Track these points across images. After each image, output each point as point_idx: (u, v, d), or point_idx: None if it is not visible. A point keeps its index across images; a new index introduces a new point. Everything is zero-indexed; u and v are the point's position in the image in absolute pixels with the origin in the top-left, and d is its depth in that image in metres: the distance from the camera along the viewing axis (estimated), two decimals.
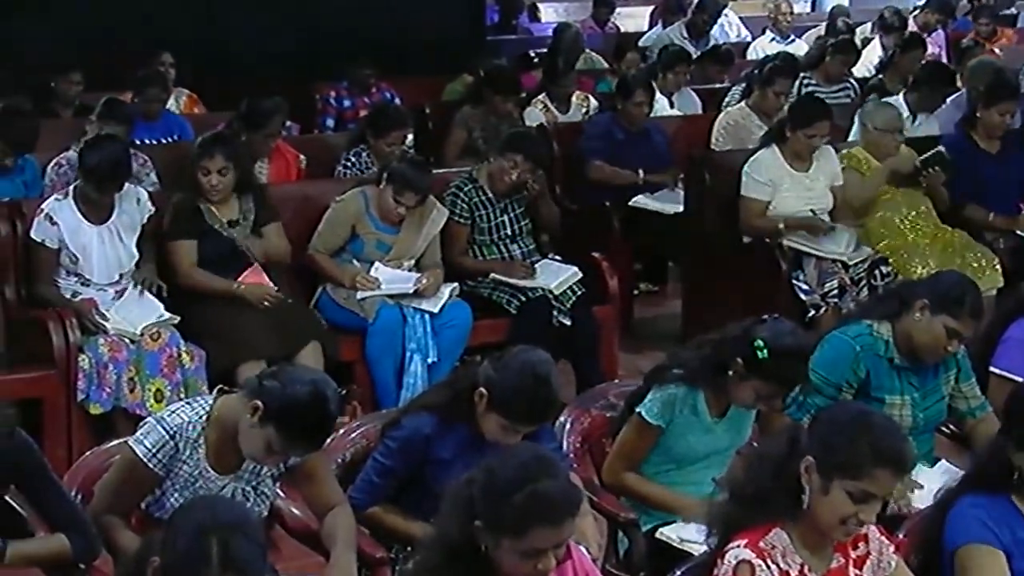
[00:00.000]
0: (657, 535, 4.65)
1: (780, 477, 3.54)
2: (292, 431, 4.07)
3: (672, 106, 10.39)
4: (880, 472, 3.49)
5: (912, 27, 13.34)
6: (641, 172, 8.94)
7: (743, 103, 9.65)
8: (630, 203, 8.79)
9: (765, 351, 4.52)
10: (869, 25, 13.72)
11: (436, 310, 7.06)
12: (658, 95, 9.78)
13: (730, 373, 4.61)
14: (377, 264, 7.11)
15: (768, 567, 3.48)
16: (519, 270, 7.43)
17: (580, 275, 7.44)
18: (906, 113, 9.26)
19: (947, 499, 3.94)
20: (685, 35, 13.56)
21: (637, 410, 4.72)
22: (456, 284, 7.26)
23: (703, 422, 4.73)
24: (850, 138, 8.63)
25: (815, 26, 14.72)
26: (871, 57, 12.49)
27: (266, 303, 6.76)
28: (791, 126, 7.90)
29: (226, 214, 6.95)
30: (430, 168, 7.54)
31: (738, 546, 3.51)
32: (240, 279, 6.86)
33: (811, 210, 7.83)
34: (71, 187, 6.82)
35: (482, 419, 4.44)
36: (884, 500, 3.63)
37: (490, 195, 7.48)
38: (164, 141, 9.02)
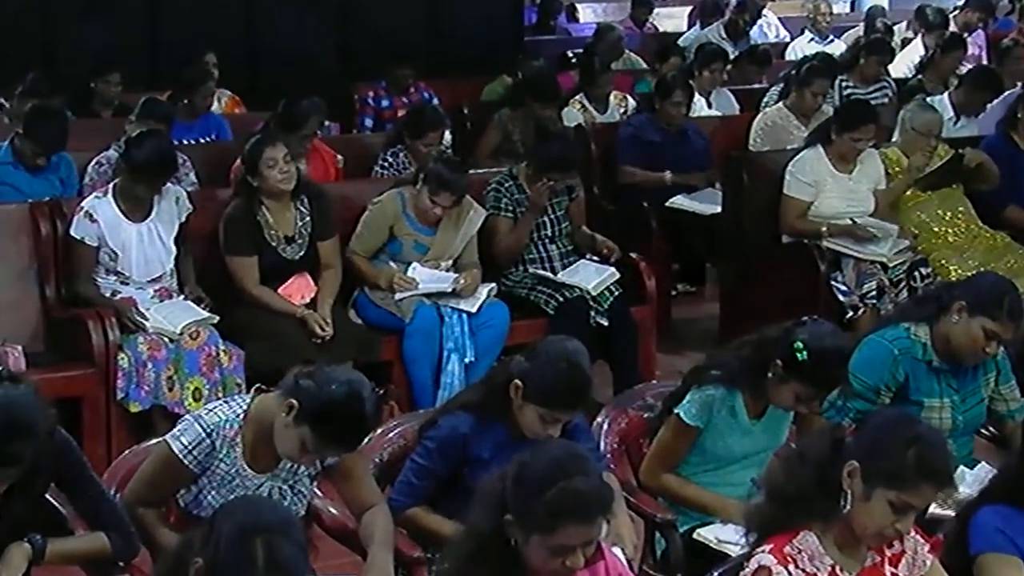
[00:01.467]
0: (694, 536, 4.65)
1: (821, 479, 3.54)
2: (326, 431, 4.07)
3: (710, 106, 10.37)
4: (925, 486, 3.50)
5: (952, 27, 13.26)
6: (668, 174, 8.92)
7: (781, 104, 9.62)
8: (668, 204, 8.78)
9: (804, 353, 4.51)
10: (904, 24, 13.64)
11: (474, 310, 7.06)
12: (695, 95, 9.77)
13: (769, 375, 4.59)
14: (415, 264, 7.11)
15: (789, 573, 3.47)
16: (542, 194, 7.37)
17: (618, 275, 7.43)
18: (949, 113, 9.22)
19: (968, 508, 3.93)
20: (724, 35, 13.54)
21: (675, 411, 4.71)
22: (494, 284, 7.27)
23: (741, 423, 4.72)
24: (893, 139, 8.59)
25: (854, 26, 14.66)
26: (912, 56, 12.42)
27: (316, 336, 6.74)
28: (837, 128, 7.87)
29: (284, 227, 6.92)
30: (466, 168, 7.54)
31: (763, 551, 3.50)
32: (286, 285, 6.88)
33: (849, 212, 7.80)
34: (111, 185, 6.86)
35: (519, 412, 4.44)
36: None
37: (529, 194, 7.47)
38: (202, 141, 9.06)
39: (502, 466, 3.53)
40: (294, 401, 4.08)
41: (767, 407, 4.73)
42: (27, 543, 3.96)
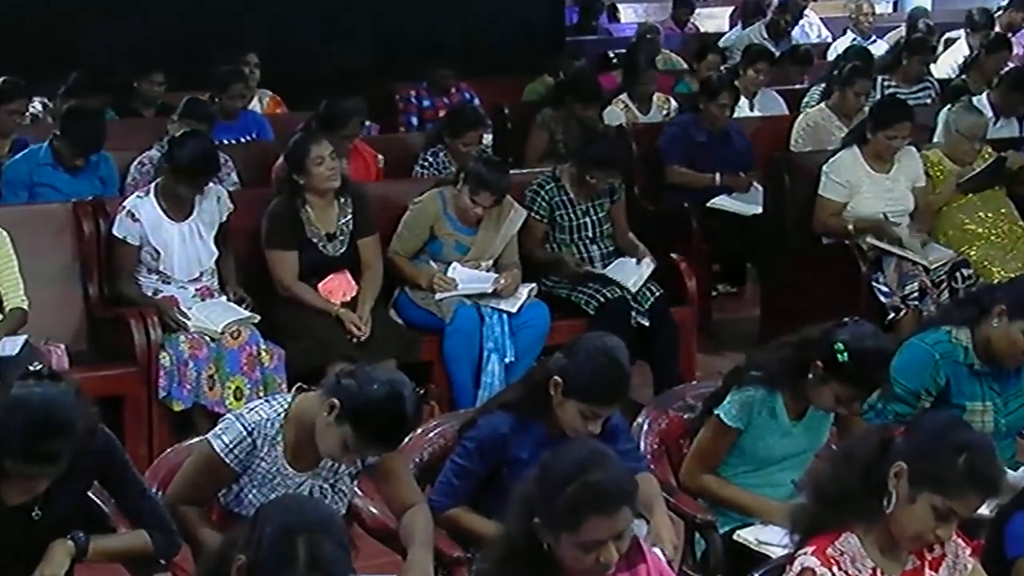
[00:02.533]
0: (735, 537, 4.64)
1: (867, 480, 3.52)
2: (367, 431, 4.08)
3: (752, 107, 10.33)
4: (971, 494, 3.48)
5: (997, 27, 13.17)
6: (718, 175, 8.90)
7: (823, 104, 9.59)
8: (709, 204, 8.76)
9: (845, 354, 4.49)
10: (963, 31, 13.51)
11: (514, 310, 7.06)
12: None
13: (809, 376, 4.57)
14: (455, 264, 7.12)
15: (833, 575, 3.46)
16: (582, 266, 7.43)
17: (654, 266, 7.41)
18: (989, 113, 9.17)
19: (1004, 511, 3.91)
20: (765, 36, 13.47)
21: (715, 412, 4.70)
22: (534, 284, 7.27)
23: (781, 424, 4.71)
24: (935, 139, 8.55)
25: (896, 26, 14.58)
26: (956, 57, 12.35)
27: (353, 334, 6.75)
28: (872, 127, 7.85)
29: (325, 224, 6.93)
30: (507, 168, 7.54)
31: (806, 553, 3.49)
32: (326, 281, 6.89)
33: (887, 212, 7.76)
34: (153, 184, 6.90)
35: (559, 409, 4.44)
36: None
37: (571, 195, 7.48)
38: (243, 140, 9.09)
39: None
40: (335, 400, 4.10)
41: (807, 408, 4.72)
42: (70, 540, 3.98)
